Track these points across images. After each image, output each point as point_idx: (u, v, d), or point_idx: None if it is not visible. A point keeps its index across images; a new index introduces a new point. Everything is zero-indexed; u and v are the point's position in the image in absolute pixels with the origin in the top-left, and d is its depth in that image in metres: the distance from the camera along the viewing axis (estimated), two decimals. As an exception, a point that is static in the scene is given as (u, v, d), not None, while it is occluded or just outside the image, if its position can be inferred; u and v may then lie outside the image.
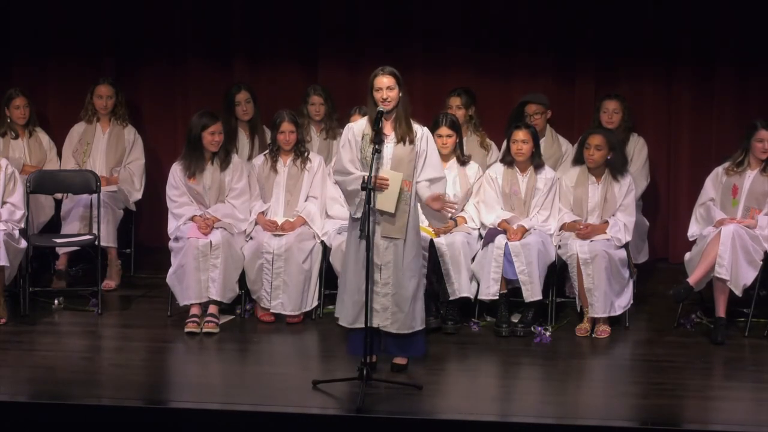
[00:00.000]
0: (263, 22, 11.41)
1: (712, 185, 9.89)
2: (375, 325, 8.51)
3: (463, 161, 9.95)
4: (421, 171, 8.55)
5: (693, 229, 9.92)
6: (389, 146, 8.49)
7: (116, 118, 10.96)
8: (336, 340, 9.25)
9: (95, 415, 8.06)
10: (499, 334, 9.57)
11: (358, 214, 8.48)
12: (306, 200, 10.02)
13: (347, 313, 8.62)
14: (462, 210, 9.93)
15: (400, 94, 8.47)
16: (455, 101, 10.37)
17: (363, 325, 8.44)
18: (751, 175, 9.77)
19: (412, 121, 8.57)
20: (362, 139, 8.52)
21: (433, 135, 9.26)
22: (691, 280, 9.48)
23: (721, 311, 9.52)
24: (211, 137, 9.85)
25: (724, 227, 9.50)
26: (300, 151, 10.03)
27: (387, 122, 8.51)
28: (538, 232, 9.74)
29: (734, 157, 9.83)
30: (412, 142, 8.51)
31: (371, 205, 8.32)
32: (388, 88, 8.43)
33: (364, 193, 8.35)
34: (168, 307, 9.94)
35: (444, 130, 9.82)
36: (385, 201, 8.42)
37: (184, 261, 9.70)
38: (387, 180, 8.41)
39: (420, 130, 8.58)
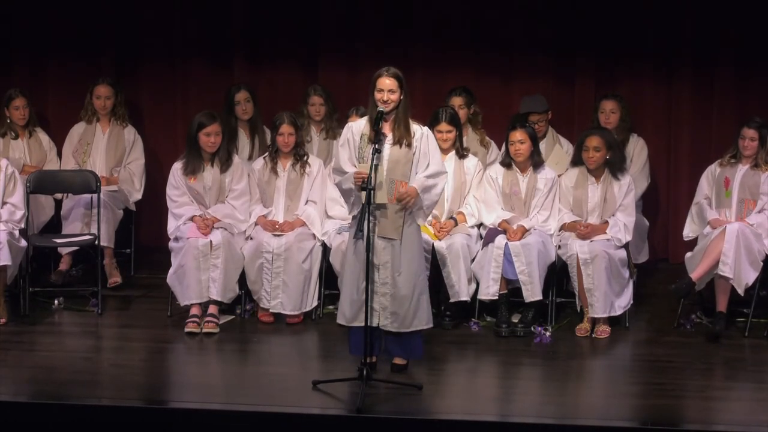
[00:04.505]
0: (263, 22, 11.41)
1: (707, 183, 9.98)
2: (375, 323, 8.51)
3: (462, 154, 9.96)
4: (424, 169, 8.54)
5: (687, 230, 10.01)
6: (386, 147, 8.50)
7: (116, 118, 10.96)
8: (336, 340, 9.25)
9: (95, 415, 8.06)
10: (499, 334, 9.57)
11: (354, 212, 8.50)
12: (305, 204, 10.02)
13: (345, 311, 8.62)
14: (460, 205, 9.94)
15: (402, 97, 8.47)
16: (457, 101, 10.36)
17: (361, 324, 8.46)
18: (742, 169, 9.85)
19: (412, 122, 8.57)
20: (360, 138, 8.53)
21: (433, 130, 9.28)
22: (694, 275, 9.50)
23: (722, 307, 9.52)
24: (207, 138, 9.85)
25: (729, 225, 9.53)
26: (299, 155, 10.03)
27: (386, 123, 8.51)
28: (538, 232, 9.74)
29: (729, 151, 9.92)
30: (409, 145, 8.52)
31: (371, 206, 8.33)
32: (390, 90, 8.42)
33: (357, 190, 8.40)
34: (168, 307, 9.94)
35: (444, 126, 9.83)
36: (380, 194, 8.43)
37: (184, 261, 9.70)
38: (409, 192, 8.44)
39: (419, 131, 8.58)
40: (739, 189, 9.80)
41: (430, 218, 9.79)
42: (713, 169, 9.97)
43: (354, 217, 8.54)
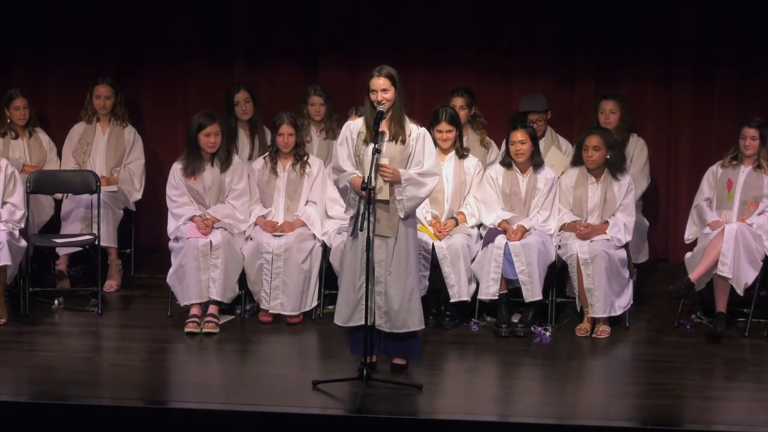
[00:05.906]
0: (263, 22, 11.41)
1: (707, 185, 9.98)
2: (372, 323, 8.52)
3: (462, 154, 9.95)
4: (416, 166, 8.53)
5: (688, 232, 10.02)
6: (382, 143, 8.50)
7: (116, 118, 10.96)
8: (336, 340, 9.25)
9: (95, 415, 8.07)
10: (499, 334, 9.57)
11: (351, 212, 8.50)
12: (305, 204, 10.02)
13: (341, 311, 8.62)
14: (460, 205, 9.93)
15: (396, 95, 8.47)
16: (458, 101, 10.36)
17: (357, 324, 8.48)
18: (745, 171, 9.85)
19: (408, 122, 8.57)
20: (357, 136, 8.54)
21: (433, 130, 9.29)
22: (693, 276, 9.50)
23: (721, 308, 9.52)
24: (207, 139, 9.85)
25: (728, 225, 9.53)
26: (299, 155, 10.03)
27: (383, 121, 8.51)
28: (538, 232, 9.74)
29: (731, 151, 9.92)
30: (404, 141, 8.52)
31: (371, 205, 8.32)
32: (383, 90, 8.43)
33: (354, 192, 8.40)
34: (168, 307, 9.94)
35: (444, 126, 9.83)
36: (380, 191, 8.43)
37: (184, 261, 9.70)
38: (389, 168, 8.40)
39: (416, 131, 8.57)
40: (742, 191, 9.79)
41: (429, 218, 9.80)
42: (715, 170, 9.97)
43: (351, 217, 8.54)
